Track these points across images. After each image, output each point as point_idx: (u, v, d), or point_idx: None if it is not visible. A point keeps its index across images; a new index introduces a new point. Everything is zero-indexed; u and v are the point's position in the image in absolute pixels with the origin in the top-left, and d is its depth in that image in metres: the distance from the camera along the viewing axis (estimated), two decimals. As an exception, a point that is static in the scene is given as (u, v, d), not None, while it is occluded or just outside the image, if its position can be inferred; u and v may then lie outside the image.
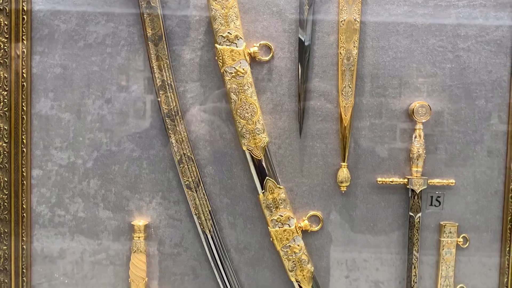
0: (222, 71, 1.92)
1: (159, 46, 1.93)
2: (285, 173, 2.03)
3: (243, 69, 1.92)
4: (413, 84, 2.00)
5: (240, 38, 1.90)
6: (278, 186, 1.98)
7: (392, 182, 2.02)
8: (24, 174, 1.98)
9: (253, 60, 1.96)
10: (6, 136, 1.96)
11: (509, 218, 2.04)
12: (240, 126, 1.94)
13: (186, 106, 1.99)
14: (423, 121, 1.98)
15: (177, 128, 1.97)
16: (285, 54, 1.98)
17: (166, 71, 1.94)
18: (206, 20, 1.95)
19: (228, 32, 1.89)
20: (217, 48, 1.90)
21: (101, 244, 2.03)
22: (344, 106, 1.98)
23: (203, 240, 2.01)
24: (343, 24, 1.95)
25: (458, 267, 2.06)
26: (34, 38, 1.96)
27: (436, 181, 2.01)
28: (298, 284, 2.01)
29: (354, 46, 1.96)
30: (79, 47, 1.97)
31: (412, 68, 2.00)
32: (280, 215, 1.98)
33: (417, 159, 1.99)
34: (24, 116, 1.97)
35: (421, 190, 2.00)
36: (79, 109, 1.99)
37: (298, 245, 1.99)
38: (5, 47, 1.93)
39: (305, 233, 2.02)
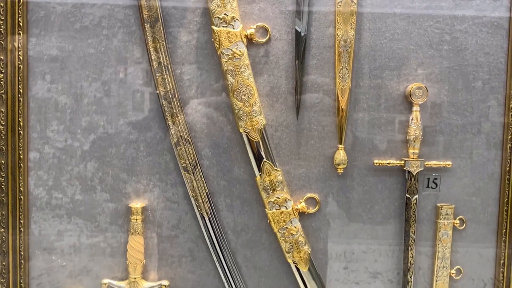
0: (218, 53, 1.92)
1: (155, 28, 1.92)
2: (282, 155, 2.03)
3: (240, 51, 1.91)
4: (410, 66, 2.00)
5: (237, 19, 1.90)
6: (275, 168, 1.98)
7: (389, 164, 2.02)
8: (21, 156, 1.98)
9: (250, 42, 1.95)
10: (2, 118, 1.96)
11: (506, 200, 2.05)
12: (237, 108, 1.94)
13: (183, 89, 1.99)
14: (420, 103, 1.98)
15: (174, 111, 1.96)
16: (282, 36, 1.98)
17: (163, 53, 1.94)
18: (203, 1, 1.94)
19: (225, 14, 1.89)
20: (213, 30, 1.90)
21: (98, 227, 2.04)
22: (341, 88, 1.98)
23: (201, 222, 2.02)
24: (340, 5, 1.94)
25: (455, 249, 2.07)
26: (30, 20, 1.95)
27: (432, 163, 2.02)
28: (295, 265, 2.02)
29: (351, 28, 1.95)
30: (75, 29, 1.97)
31: (409, 50, 2.00)
32: (277, 197, 1.98)
33: (414, 141, 1.99)
34: (21, 99, 1.96)
35: (417, 172, 2.00)
36: (75, 92, 1.99)
37: (295, 227, 2.00)
38: (1, 30, 1.92)
39: (302, 215, 2.03)
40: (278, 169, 1.99)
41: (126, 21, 1.96)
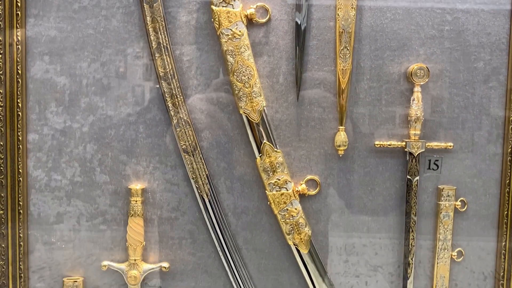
0: (218, 33, 1.90)
1: (154, 8, 1.91)
2: (282, 137, 2.02)
3: (240, 31, 1.90)
4: (412, 46, 1.98)
5: (237, -1, 1.88)
6: (275, 150, 1.97)
7: (390, 145, 2.01)
8: (20, 138, 1.97)
9: (250, 23, 1.94)
10: (1, 100, 1.94)
11: (507, 181, 2.04)
12: (237, 89, 1.93)
13: (183, 70, 1.98)
14: (421, 83, 1.96)
15: (173, 92, 1.95)
16: (282, 17, 1.96)
17: (162, 33, 1.92)
18: (202, -19, 1.93)
19: (224, -7, 1.87)
20: (213, 9, 1.88)
21: (98, 209, 2.03)
22: (342, 69, 1.97)
23: (201, 204, 2.01)
24: (340, -15, 1.93)
25: (456, 231, 2.06)
26: (28, 1, 1.94)
27: (434, 144, 2.01)
28: (296, 247, 2.01)
29: (352, 8, 1.94)
30: (74, 9, 1.95)
31: (411, 30, 1.98)
32: (277, 178, 1.97)
33: (415, 122, 1.97)
34: (20, 80, 1.95)
35: (419, 153, 1.99)
36: (74, 73, 1.97)
37: (296, 209, 1.99)
38: (-1, 10, 1.91)
39: (302, 197, 2.01)
40: (278, 150, 1.97)
41: (124, 1, 1.95)
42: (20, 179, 1.99)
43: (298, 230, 1.99)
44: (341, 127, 1.99)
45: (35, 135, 1.99)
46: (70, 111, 1.99)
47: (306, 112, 2.01)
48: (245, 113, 1.94)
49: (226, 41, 1.90)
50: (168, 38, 1.93)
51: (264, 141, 1.96)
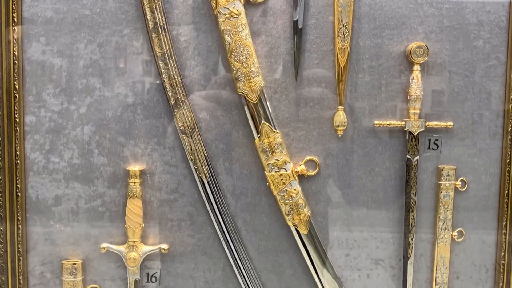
0: (215, 12, 1.89)
1: (151, -13, 1.89)
2: (281, 117, 2.00)
3: (237, 10, 1.88)
4: (411, 24, 1.97)
5: (234, -23, 1.87)
6: (274, 130, 1.96)
7: (389, 125, 1.99)
8: (17, 120, 1.96)
9: (248, 1, 1.92)
10: (-2, 82, 1.93)
11: (508, 160, 2.02)
12: (234, 69, 1.91)
13: (180, 50, 1.96)
14: (421, 62, 1.95)
15: (171, 72, 1.93)
16: (280, -5, 1.95)
17: (159, 13, 1.90)
18: (199, -41, 1.92)
19: (221, -28, 1.86)
20: (210, -12, 1.87)
21: (96, 191, 2.02)
22: (341, 48, 1.95)
23: (200, 186, 2.00)
24: (338, -38, 1.91)
25: (457, 211, 2.05)
26: (24, -19, 1.93)
27: (433, 123, 1.99)
28: (295, 228, 2.00)
29: (350, -15, 1.92)
30: (70, -10, 1.94)
31: (409, 8, 1.96)
32: (276, 159, 1.96)
33: (415, 101, 1.96)
34: (16, 61, 1.93)
35: (418, 133, 1.98)
36: (71, 54, 1.96)
37: (295, 190, 1.98)
38: (-5, -9, 1.90)
39: (301, 178, 2.00)
40: (277, 131, 1.96)
41: (121, -19, 1.93)
42: (18, 161, 1.98)
43: (297, 211, 1.98)
44: (340, 107, 1.98)
45: (32, 117, 1.98)
46: (67, 92, 1.98)
47: (305, 92, 1.99)
48: (243, 93, 1.93)
49: (223, 21, 1.88)
50: (165, 18, 1.92)
51: (263, 121, 1.95)
